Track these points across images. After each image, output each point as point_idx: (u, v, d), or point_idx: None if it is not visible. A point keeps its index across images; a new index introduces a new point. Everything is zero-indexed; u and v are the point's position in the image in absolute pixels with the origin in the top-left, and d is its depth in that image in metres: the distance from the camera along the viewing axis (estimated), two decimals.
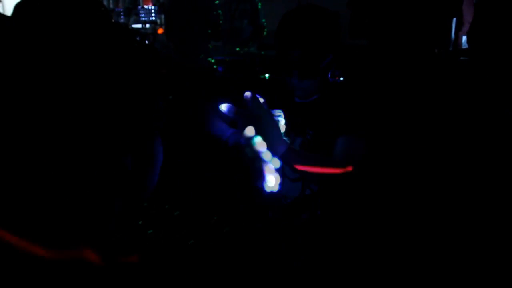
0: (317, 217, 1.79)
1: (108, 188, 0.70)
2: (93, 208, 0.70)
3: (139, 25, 7.21)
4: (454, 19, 3.72)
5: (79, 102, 0.66)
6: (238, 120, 1.44)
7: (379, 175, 1.58)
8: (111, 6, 8.17)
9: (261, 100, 1.49)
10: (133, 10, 7.80)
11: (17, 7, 0.72)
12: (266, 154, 1.43)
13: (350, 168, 1.55)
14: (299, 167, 1.55)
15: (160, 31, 6.50)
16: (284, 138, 1.53)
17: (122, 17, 7.58)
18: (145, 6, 7.65)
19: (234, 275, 1.81)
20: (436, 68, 1.49)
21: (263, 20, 5.75)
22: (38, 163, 0.65)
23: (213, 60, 4.71)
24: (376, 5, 1.51)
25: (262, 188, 1.46)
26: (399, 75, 1.52)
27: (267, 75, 4.88)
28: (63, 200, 0.67)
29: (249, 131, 1.39)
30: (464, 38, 4.01)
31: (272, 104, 1.71)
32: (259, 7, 5.65)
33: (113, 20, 0.83)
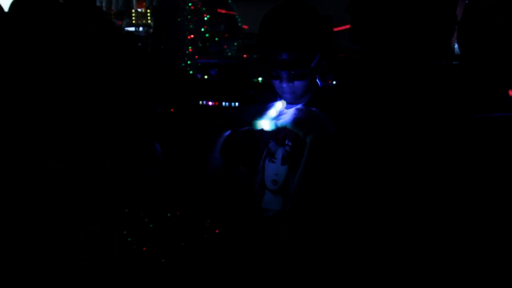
0: (300, 232, 1.76)
1: (110, 188, 0.71)
2: (95, 208, 0.70)
3: (132, 28, 7.20)
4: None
5: (79, 103, 0.66)
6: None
7: (368, 183, 1.57)
8: (104, 9, 8.14)
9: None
10: (126, 13, 7.78)
11: (13, 6, 0.70)
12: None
13: None
14: None
15: None
16: None
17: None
18: (138, 9, 7.64)
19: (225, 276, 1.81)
20: (429, 74, 1.50)
21: (239, 22, 5.74)
22: (39, 163, 0.65)
23: (187, 63, 4.70)
24: (374, 11, 1.51)
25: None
26: (392, 81, 1.53)
27: (260, 79, 4.88)
28: (64, 201, 0.67)
29: None
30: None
31: (264, 109, 1.70)
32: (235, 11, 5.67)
33: (115, 26, 0.83)
